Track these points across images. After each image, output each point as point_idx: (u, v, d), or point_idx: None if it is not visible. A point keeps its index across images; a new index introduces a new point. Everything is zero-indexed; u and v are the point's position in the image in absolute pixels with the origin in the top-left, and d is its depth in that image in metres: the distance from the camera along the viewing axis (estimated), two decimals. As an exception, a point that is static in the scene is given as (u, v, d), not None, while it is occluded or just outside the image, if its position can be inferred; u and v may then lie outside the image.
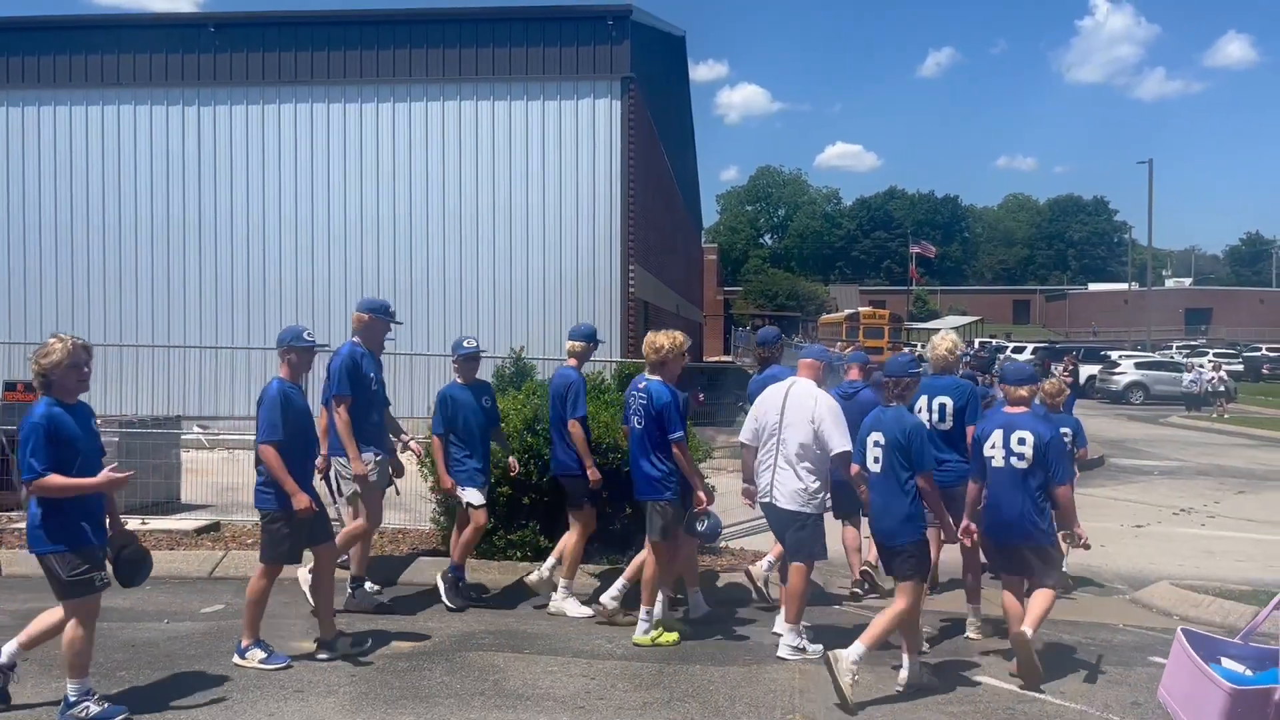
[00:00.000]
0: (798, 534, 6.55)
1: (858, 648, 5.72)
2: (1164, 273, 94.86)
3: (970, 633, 7.16)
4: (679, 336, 6.92)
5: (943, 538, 6.87)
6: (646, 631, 6.75)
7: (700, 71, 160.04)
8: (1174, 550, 10.48)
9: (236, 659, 6.11)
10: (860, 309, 59.94)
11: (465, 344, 7.65)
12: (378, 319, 7.31)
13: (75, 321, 18.20)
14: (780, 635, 6.62)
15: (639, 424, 6.78)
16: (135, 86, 19.01)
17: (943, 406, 7.20)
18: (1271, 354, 53.98)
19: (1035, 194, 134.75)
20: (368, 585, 7.51)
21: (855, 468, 6.30)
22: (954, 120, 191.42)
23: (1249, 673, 3.61)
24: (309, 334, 6.30)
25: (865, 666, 5.80)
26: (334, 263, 18.65)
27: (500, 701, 5.64)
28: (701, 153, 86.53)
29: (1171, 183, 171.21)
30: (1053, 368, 20.38)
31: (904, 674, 5.96)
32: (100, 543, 5.16)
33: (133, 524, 9.54)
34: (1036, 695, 5.94)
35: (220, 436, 14.94)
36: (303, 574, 6.84)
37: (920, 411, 7.18)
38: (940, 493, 6.23)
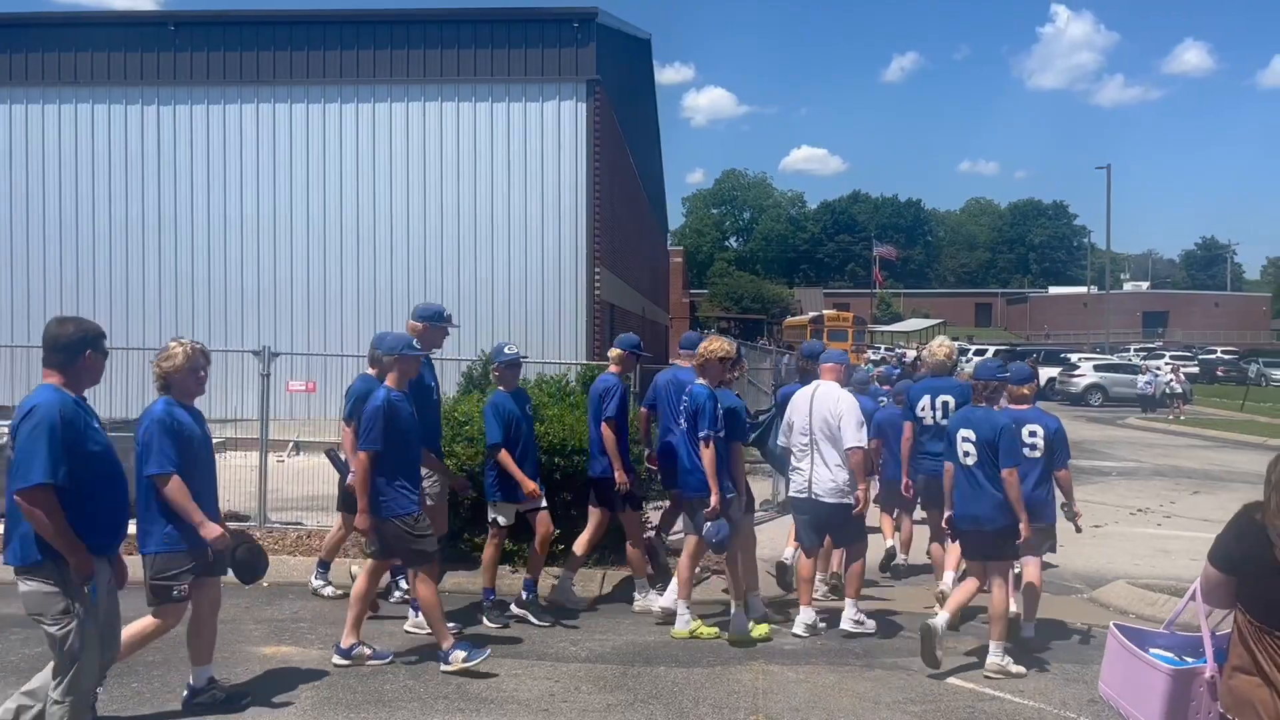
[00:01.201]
0: (843, 524, 7.09)
1: (995, 652, 6.32)
2: (1122, 276, 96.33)
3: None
4: (715, 343, 7.22)
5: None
6: (686, 624, 6.95)
7: (667, 74, 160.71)
8: (1131, 550, 10.64)
9: (444, 667, 6.08)
10: (824, 311, 60.46)
11: (507, 350, 7.30)
12: (434, 327, 7.14)
13: (30, 321, 17.89)
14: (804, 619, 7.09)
15: (684, 424, 7.06)
16: (94, 85, 18.75)
17: (946, 404, 7.88)
18: (1226, 356, 55.02)
19: (996, 198, 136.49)
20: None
21: (859, 455, 6.95)
22: (917, 125, 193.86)
23: (1179, 658, 3.76)
24: (417, 342, 6.40)
25: (826, 667, 5.79)
26: (296, 264, 18.49)
27: (464, 705, 5.62)
28: (667, 155, 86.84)
29: (1129, 188, 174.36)
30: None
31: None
32: (199, 545, 5.18)
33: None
34: (996, 693, 6.02)
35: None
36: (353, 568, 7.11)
37: (924, 409, 7.93)
38: (931, 480, 7.56)
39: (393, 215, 18.48)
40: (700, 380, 7.07)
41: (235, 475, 10.82)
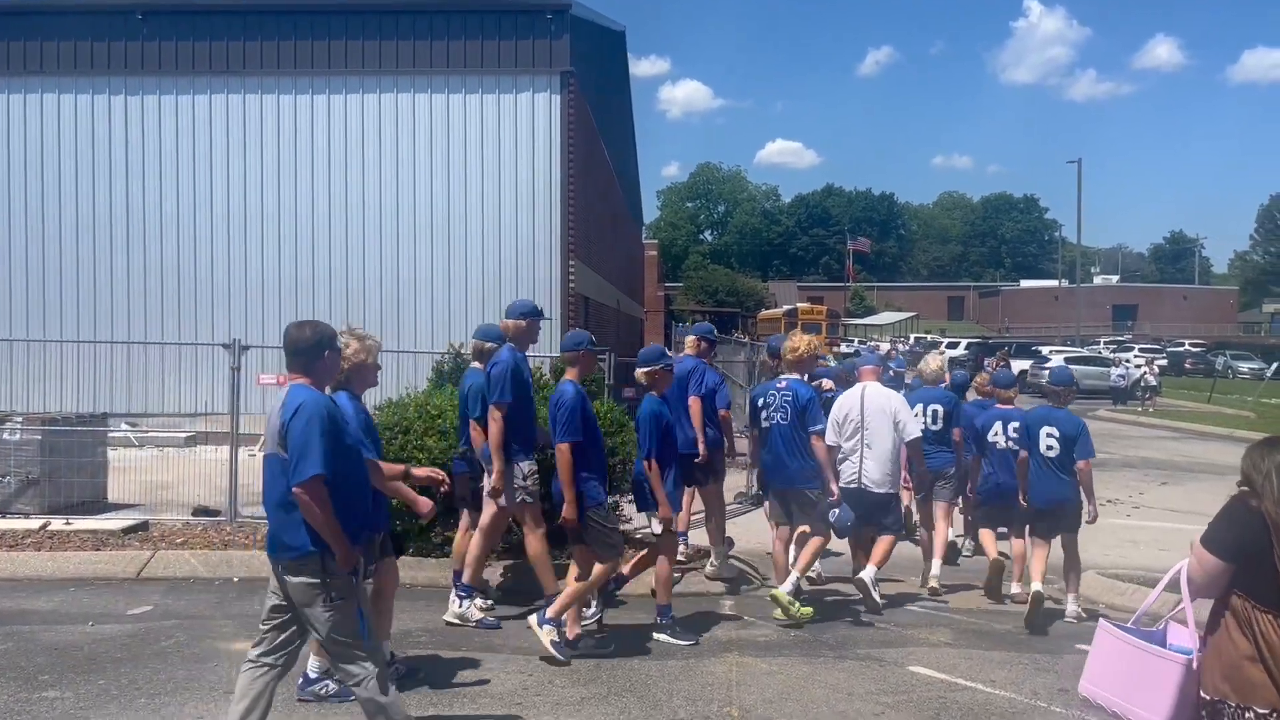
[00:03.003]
0: (886, 510, 7.68)
1: (1072, 603, 7.67)
2: (1092, 270, 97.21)
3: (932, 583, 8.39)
4: (814, 340, 7.79)
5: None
6: (790, 590, 7.25)
7: (642, 67, 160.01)
8: (1100, 540, 10.72)
9: (533, 619, 6.30)
10: (799, 305, 60.67)
11: (667, 354, 7.07)
12: (534, 321, 7.04)
13: (-4, 316, 17.64)
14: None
15: (783, 419, 7.41)
16: (59, 74, 18.46)
17: (935, 412, 8.79)
18: (1194, 349, 55.68)
19: (969, 192, 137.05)
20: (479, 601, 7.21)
21: (918, 445, 7.85)
22: (891, 119, 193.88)
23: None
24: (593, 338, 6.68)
25: (799, 659, 5.83)
26: (267, 257, 18.29)
27: (437, 699, 5.59)
28: (643, 148, 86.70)
29: (1100, 182, 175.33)
30: (985, 363, 20.81)
31: (1071, 608, 7.59)
32: (367, 538, 5.01)
33: (56, 524, 9.32)
34: (968, 684, 6.06)
35: (150, 434, 14.60)
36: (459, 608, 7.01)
37: (916, 416, 8.46)
38: (931, 475, 8.42)
39: (364, 207, 18.33)
40: (792, 375, 7.53)
41: (206, 469, 10.73)
